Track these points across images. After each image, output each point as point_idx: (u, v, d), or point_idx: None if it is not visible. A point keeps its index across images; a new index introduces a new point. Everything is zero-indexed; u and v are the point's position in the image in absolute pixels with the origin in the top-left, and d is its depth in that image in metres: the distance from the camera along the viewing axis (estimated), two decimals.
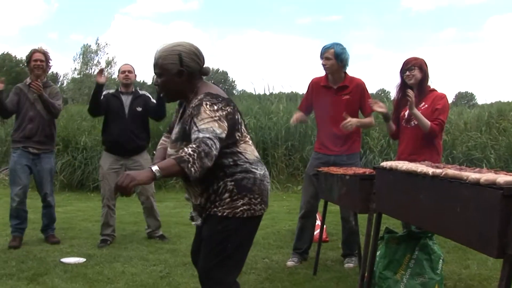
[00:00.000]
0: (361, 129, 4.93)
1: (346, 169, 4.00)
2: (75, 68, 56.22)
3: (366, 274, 3.21)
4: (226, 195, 2.53)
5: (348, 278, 4.27)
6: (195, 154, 2.27)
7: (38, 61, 5.54)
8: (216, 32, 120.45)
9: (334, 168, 4.15)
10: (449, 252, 4.94)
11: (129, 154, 5.63)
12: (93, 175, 10.28)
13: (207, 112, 2.41)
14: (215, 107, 2.44)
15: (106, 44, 56.97)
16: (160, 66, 2.59)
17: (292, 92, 13.89)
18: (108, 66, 57.82)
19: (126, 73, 5.71)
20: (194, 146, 2.30)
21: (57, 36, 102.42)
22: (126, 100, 5.66)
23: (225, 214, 2.53)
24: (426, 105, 4.19)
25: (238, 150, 2.57)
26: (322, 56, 4.56)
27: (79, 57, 57.45)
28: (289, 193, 9.30)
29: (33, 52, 5.59)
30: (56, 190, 10.19)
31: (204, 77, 2.70)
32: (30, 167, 5.55)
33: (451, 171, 2.29)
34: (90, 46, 57.42)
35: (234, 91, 62.28)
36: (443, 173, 2.31)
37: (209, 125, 2.37)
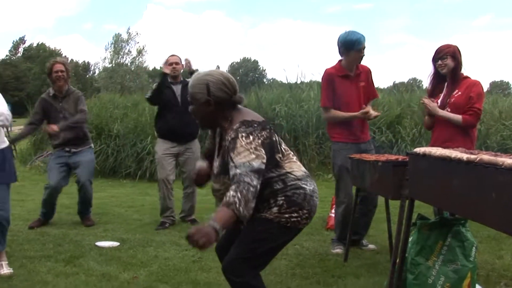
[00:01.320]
0: None
1: (378, 156, 4.00)
2: (105, 58, 56.91)
3: (397, 261, 3.21)
4: (275, 208, 2.62)
5: (379, 265, 4.26)
6: (238, 194, 2.33)
7: (59, 72, 5.74)
8: (248, 21, 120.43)
9: (367, 155, 4.14)
10: (481, 242, 4.87)
11: (184, 141, 5.86)
12: (125, 162, 10.45)
13: (243, 145, 2.45)
14: (251, 138, 2.48)
15: (137, 33, 57.34)
16: (190, 95, 2.67)
17: None
18: (138, 55, 58.42)
19: (174, 65, 5.84)
20: (234, 186, 2.37)
21: (91, 26, 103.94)
22: (177, 90, 5.84)
23: (270, 218, 2.61)
24: (460, 93, 4.13)
25: (285, 170, 2.64)
26: (362, 47, 4.55)
27: (110, 46, 58.11)
28: (320, 181, 9.27)
29: (53, 63, 5.81)
30: None
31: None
32: (67, 164, 5.82)
33: (486, 156, 2.27)
34: (121, 35, 58.01)
35: (265, 80, 62.25)
36: (478, 159, 2.29)
37: (245, 159, 2.42)
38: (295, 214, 2.62)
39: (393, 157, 3.75)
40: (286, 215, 2.61)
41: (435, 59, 4.22)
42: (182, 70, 5.97)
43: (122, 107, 12.14)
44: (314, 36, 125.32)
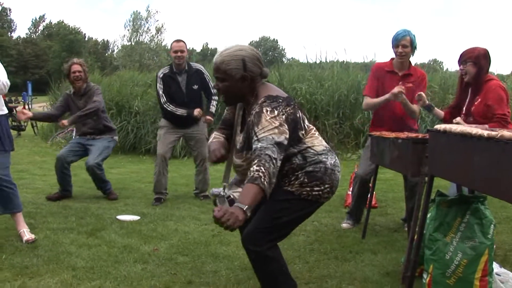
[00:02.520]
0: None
1: (398, 133, 4.00)
2: (124, 35, 57.13)
3: (415, 237, 3.23)
4: (297, 182, 2.64)
5: (396, 243, 4.29)
6: (262, 168, 2.31)
7: (77, 72, 5.95)
8: None
9: (386, 132, 4.14)
10: (500, 222, 4.86)
11: (189, 126, 5.96)
12: (145, 139, 10.55)
13: (268, 119, 2.45)
14: (276, 112, 2.47)
15: (156, 11, 57.49)
16: (223, 71, 2.59)
17: (344, 61, 13.59)
18: (158, 33, 58.47)
19: (179, 53, 5.84)
20: (256, 161, 2.35)
21: (112, 4, 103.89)
22: (182, 80, 5.90)
23: (291, 190, 2.64)
24: (480, 99, 3.95)
25: (306, 145, 2.66)
26: (399, 43, 4.50)
27: (129, 24, 58.24)
28: (339, 160, 9.28)
29: (71, 64, 6.01)
30: None
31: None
32: (83, 144, 6.04)
33: (507, 132, 2.27)
34: (140, 13, 58.11)
35: (284, 59, 61.91)
36: (499, 135, 2.29)
37: (268, 133, 2.42)
38: (317, 188, 2.65)
39: (413, 135, 3.76)
40: (308, 189, 2.64)
41: (459, 63, 4.05)
42: (187, 57, 5.98)
43: (142, 84, 12.22)
44: (337, 14, 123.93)
